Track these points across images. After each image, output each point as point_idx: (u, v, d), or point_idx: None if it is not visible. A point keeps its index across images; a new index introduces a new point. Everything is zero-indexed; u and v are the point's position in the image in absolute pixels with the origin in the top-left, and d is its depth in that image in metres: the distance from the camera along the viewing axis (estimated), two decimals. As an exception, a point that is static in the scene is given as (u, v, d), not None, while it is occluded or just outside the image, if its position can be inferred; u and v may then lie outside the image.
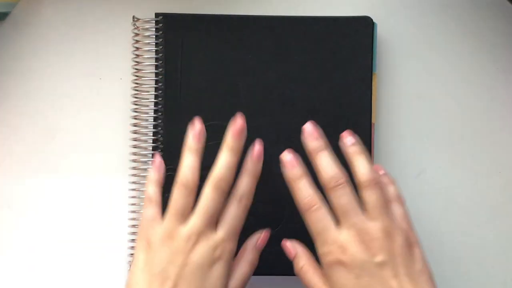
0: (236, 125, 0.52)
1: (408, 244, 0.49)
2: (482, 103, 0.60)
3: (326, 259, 0.49)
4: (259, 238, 0.54)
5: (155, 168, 0.54)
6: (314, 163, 0.51)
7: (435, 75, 0.60)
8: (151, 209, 0.52)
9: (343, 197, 0.49)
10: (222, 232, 0.50)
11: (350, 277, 0.48)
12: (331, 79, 0.58)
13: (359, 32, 0.58)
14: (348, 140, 0.51)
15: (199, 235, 0.49)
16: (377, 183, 0.49)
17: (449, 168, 0.60)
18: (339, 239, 0.48)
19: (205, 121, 0.57)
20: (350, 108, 0.58)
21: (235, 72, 0.58)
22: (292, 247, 0.53)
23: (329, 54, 0.58)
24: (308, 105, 0.58)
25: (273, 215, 0.57)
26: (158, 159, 0.54)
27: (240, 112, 0.54)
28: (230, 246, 0.51)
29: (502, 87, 0.60)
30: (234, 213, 0.51)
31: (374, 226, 0.48)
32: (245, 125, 0.52)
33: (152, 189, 0.53)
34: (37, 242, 0.60)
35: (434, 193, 0.60)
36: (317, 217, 0.49)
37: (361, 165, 0.50)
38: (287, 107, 0.58)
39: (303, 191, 0.50)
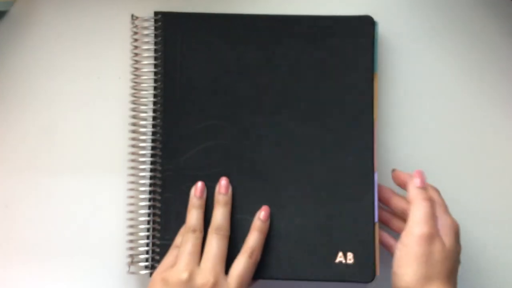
0: (221, 185, 0.56)
1: None
2: (483, 102, 0.60)
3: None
4: None
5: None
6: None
7: (436, 74, 0.60)
8: (173, 255, 0.55)
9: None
10: (234, 283, 0.53)
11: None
12: (332, 78, 0.58)
13: (360, 32, 0.58)
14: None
15: (216, 278, 0.53)
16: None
17: (449, 167, 0.60)
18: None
19: (204, 121, 0.58)
20: (351, 108, 0.57)
21: (235, 71, 0.58)
22: None
23: (330, 54, 0.58)
24: (308, 105, 0.58)
25: (270, 215, 0.57)
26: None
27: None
28: None
29: (503, 86, 0.60)
30: (245, 266, 0.54)
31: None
32: (229, 182, 0.57)
33: (180, 239, 0.56)
34: (35, 240, 0.60)
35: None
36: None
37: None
38: (287, 106, 0.58)
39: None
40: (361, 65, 0.57)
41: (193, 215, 0.56)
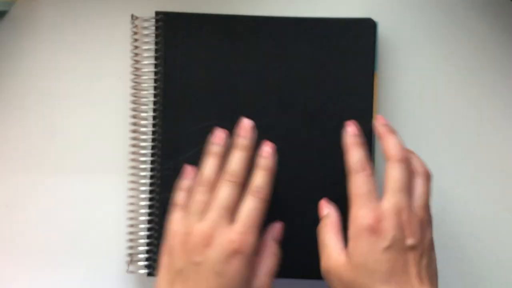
0: (242, 124, 0.53)
1: (431, 239, 0.51)
2: (483, 102, 0.60)
3: (359, 221, 0.49)
4: (275, 229, 0.54)
5: (186, 175, 0.55)
6: (382, 141, 0.53)
7: (436, 74, 0.60)
8: (176, 214, 0.53)
9: (400, 171, 0.51)
10: (239, 224, 0.49)
11: (376, 247, 0.48)
12: (332, 80, 0.57)
13: (360, 34, 0.57)
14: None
15: (214, 228, 0.49)
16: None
17: (449, 168, 0.60)
18: (379, 207, 0.49)
19: (203, 121, 0.57)
20: (351, 110, 0.57)
21: (235, 72, 0.58)
22: (325, 206, 0.54)
23: (330, 56, 0.57)
24: (309, 107, 0.57)
25: (273, 215, 0.56)
26: (189, 168, 0.55)
27: (242, 115, 0.55)
28: (249, 239, 0.49)
29: (503, 86, 0.60)
30: (250, 205, 0.50)
31: (418, 212, 0.50)
32: (252, 123, 0.54)
33: (182, 195, 0.54)
34: (34, 240, 0.60)
35: (435, 193, 0.59)
36: (365, 180, 0.51)
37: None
38: (287, 108, 0.58)
39: (357, 155, 0.52)
40: (362, 67, 0.57)
41: (207, 164, 0.52)
